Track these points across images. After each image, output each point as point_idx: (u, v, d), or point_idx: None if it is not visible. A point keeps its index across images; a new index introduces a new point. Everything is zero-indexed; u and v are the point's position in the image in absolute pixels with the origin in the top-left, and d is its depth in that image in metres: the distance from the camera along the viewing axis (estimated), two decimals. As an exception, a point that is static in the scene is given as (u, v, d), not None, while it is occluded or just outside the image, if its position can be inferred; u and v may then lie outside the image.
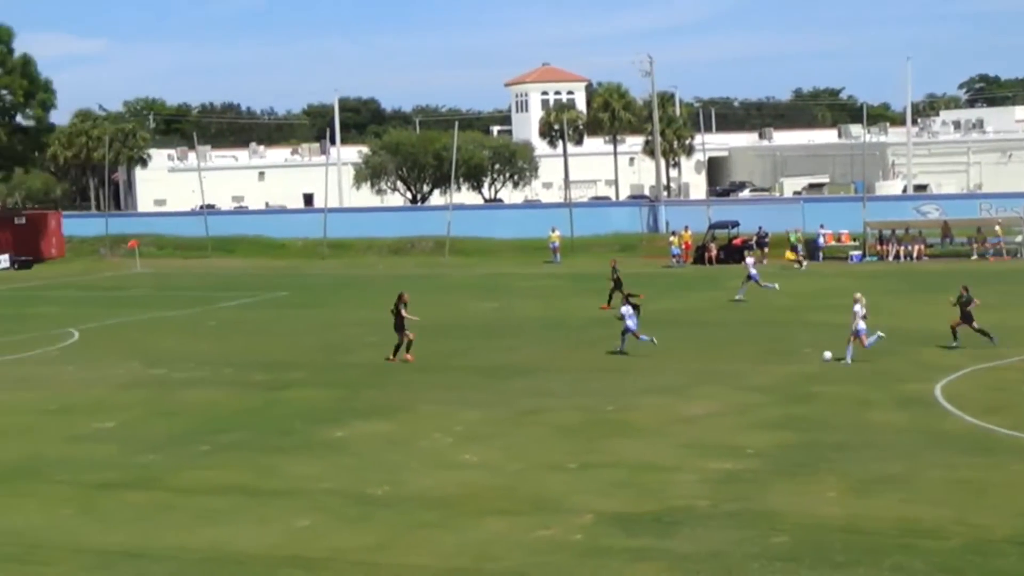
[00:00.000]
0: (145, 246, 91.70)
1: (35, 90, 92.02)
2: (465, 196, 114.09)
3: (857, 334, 37.71)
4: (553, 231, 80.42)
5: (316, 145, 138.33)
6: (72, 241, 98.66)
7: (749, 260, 57.39)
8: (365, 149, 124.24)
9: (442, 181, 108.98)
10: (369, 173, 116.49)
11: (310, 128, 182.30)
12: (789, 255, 73.12)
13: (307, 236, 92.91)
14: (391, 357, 40.94)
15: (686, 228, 77.26)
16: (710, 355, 40.21)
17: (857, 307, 37.78)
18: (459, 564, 20.49)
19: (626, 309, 41.22)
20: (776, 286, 56.47)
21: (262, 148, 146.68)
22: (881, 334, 38.33)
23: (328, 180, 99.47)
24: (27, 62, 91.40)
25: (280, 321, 54.11)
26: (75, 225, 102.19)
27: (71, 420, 33.47)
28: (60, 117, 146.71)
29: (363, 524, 22.79)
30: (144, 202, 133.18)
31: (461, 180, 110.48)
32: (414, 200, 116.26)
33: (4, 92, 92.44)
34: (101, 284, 76.07)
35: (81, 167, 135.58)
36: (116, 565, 20.91)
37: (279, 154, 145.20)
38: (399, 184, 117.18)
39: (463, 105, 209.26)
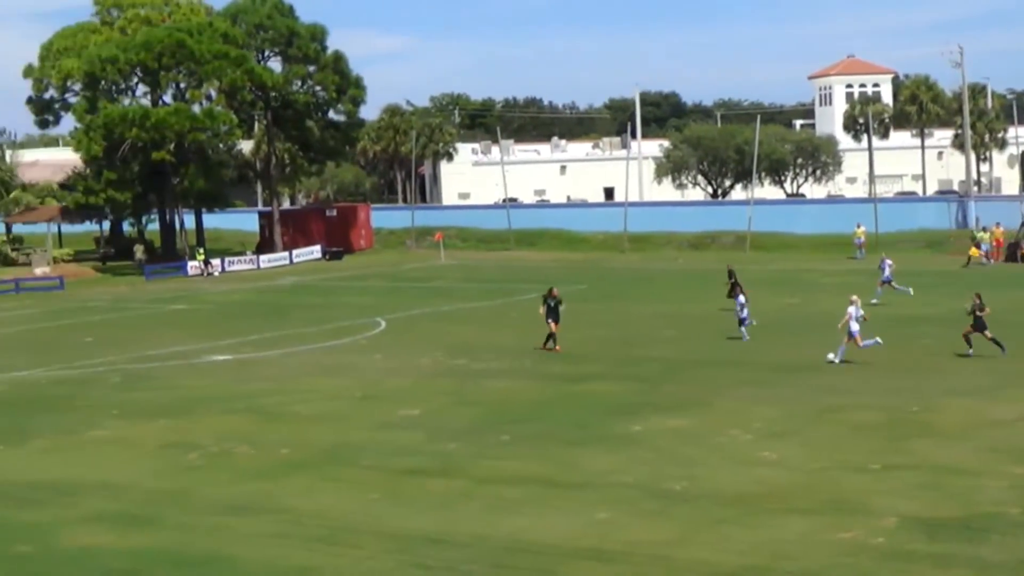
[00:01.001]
0: (449, 238, 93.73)
1: (346, 86, 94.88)
2: (766, 191, 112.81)
3: (851, 335, 38.42)
4: (858, 227, 78.76)
5: (617, 139, 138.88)
6: (380, 233, 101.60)
7: None
8: (666, 143, 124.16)
9: (743, 175, 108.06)
10: (670, 167, 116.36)
11: (611, 122, 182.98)
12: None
13: (607, 230, 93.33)
14: (543, 346, 43.08)
15: (997, 225, 74.62)
16: (1021, 357, 38.65)
17: (851, 308, 38.56)
18: (755, 562, 20.30)
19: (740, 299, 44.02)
20: None
21: (564, 142, 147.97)
22: (879, 340, 38.82)
23: (629, 174, 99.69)
24: (339, 59, 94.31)
25: (578, 314, 54.34)
26: (383, 217, 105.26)
27: (378, 407, 34.50)
28: (370, 112, 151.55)
29: (660, 518, 22.80)
30: (449, 195, 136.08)
31: (762, 174, 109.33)
32: (714, 194, 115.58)
33: (317, 88, 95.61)
34: (407, 275, 78.06)
35: (389, 161, 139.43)
36: (417, 550, 21.44)
37: (580, 148, 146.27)
38: (699, 178, 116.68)
39: (765, 98, 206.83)
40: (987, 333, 38.73)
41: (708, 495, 24.15)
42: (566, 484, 25.39)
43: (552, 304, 43.66)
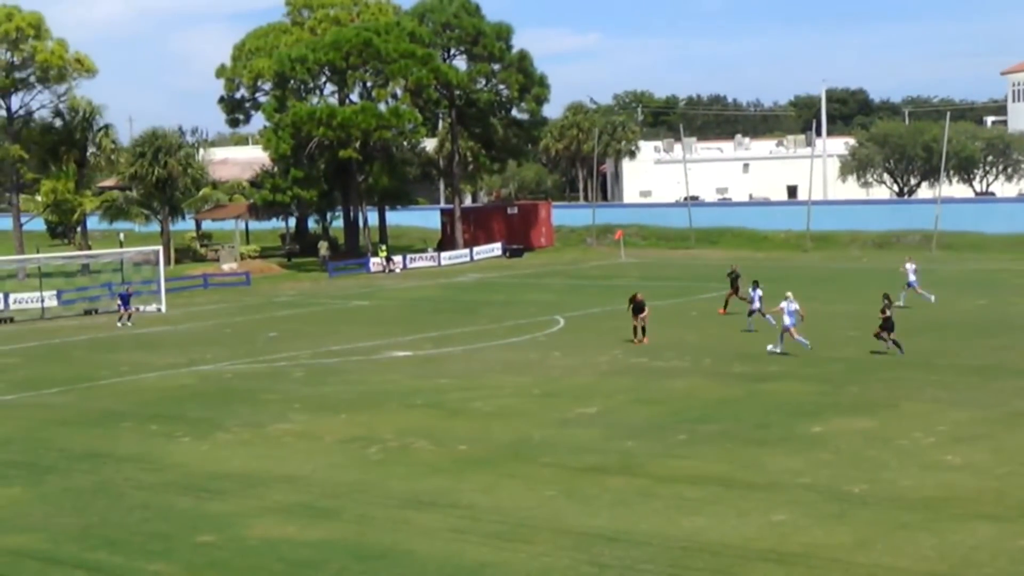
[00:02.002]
0: (630, 236, 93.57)
1: (530, 85, 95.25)
2: (955, 189, 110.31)
3: (786, 328, 41.49)
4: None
5: (801, 137, 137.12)
6: (561, 231, 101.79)
7: None
8: (851, 141, 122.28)
9: (931, 173, 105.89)
10: (855, 165, 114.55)
11: (796, 119, 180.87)
12: None
13: (790, 228, 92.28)
14: (634, 340, 45.23)
15: None
16: None
17: (784, 303, 41.76)
18: (939, 569, 19.78)
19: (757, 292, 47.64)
20: None
21: (747, 140, 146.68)
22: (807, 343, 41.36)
23: (813, 172, 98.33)
24: (523, 57, 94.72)
25: (761, 313, 53.92)
26: (564, 215, 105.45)
27: (556, 404, 34.52)
28: (553, 111, 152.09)
29: (840, 521, 22.38)
30: (630, 193, 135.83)
31: (951, 172, 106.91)
32: (900, 193, 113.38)
33: (501, 87, 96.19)
34: (587, 273, 78.08)
35: (571, 159, 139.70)
36: (595, 547, 21.36)
37: (764, 146, 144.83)
38: (885, 176, 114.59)
39: (955, 95, 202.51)
40: (892, 335, 40.71)
41: (890, 499, 23.64)
42: (745, 484, 25.09)
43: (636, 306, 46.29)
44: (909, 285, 53.79)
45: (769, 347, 42.00)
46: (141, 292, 67.09)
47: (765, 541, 21.38)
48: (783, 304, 41.92)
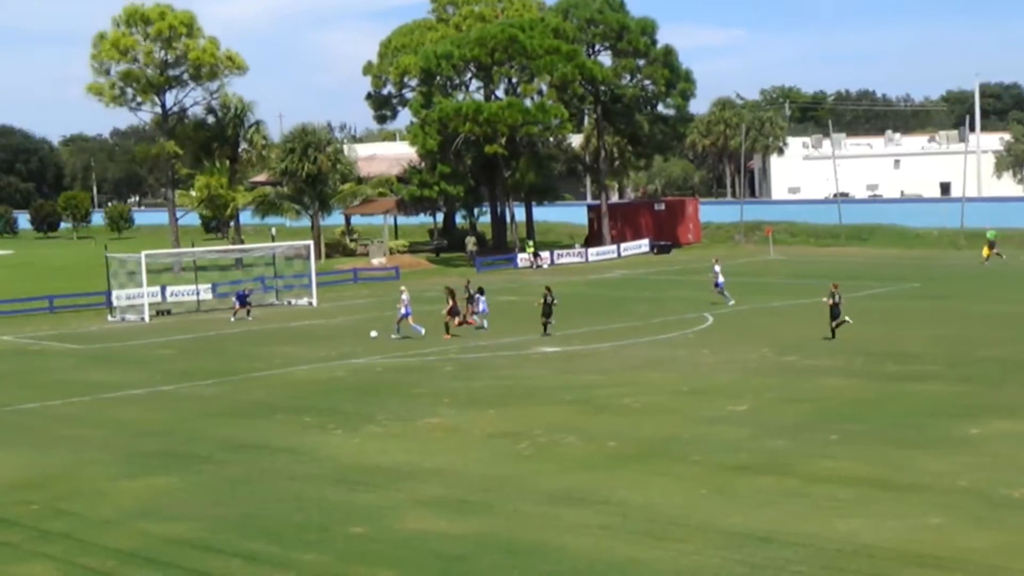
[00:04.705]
0: (778, 233, 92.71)
1: (676, 80, 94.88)
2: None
3: (404, 317, 49.25)
4: None
5: (954, 132, 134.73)
6: (708, 227, 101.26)
7: None
8: (1007, 136, 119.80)
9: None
10: (1011, 161, 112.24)
11: (948, 114, 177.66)
12: None
13: (943, 226, 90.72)
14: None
15: None
16: None
17: (404, 296, 49.78)
18: (1103, 576, 19.34)
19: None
20: None
21: (898, 135, 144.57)
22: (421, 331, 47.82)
23: (967, 168, 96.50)
24: (669, 52, 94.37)
25: (912, 312, 53.13)
26: (711, 212, 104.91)
27: (705, 402, 34.35)
28: (699, 106, 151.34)
29: (999, 526, 21.92)
30: (778, 189, 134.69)
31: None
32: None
33: (647, 82, 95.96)
34: (735, 270, 77.41)
35: (718, 155, 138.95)
36: (746, 547, 21.21)
37: (915, 142, 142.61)
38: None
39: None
40: (834, 323, 44.27)
41: (1050, 503, 23.15)
42: (899, 486, 24.70)
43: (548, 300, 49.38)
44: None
45: (372, 333, 50.10)
46: (293, 286, 68.31)
47: (921, 545, 21.04)
48: (404, 296, 49.76)
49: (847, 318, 44.90)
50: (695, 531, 22.26)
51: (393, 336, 49.26)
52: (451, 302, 50.40)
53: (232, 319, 59.57)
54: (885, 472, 25.80)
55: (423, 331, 48.98)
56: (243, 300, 60.51)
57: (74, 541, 23.09)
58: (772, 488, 24.91)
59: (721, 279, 57.03)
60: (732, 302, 56.27)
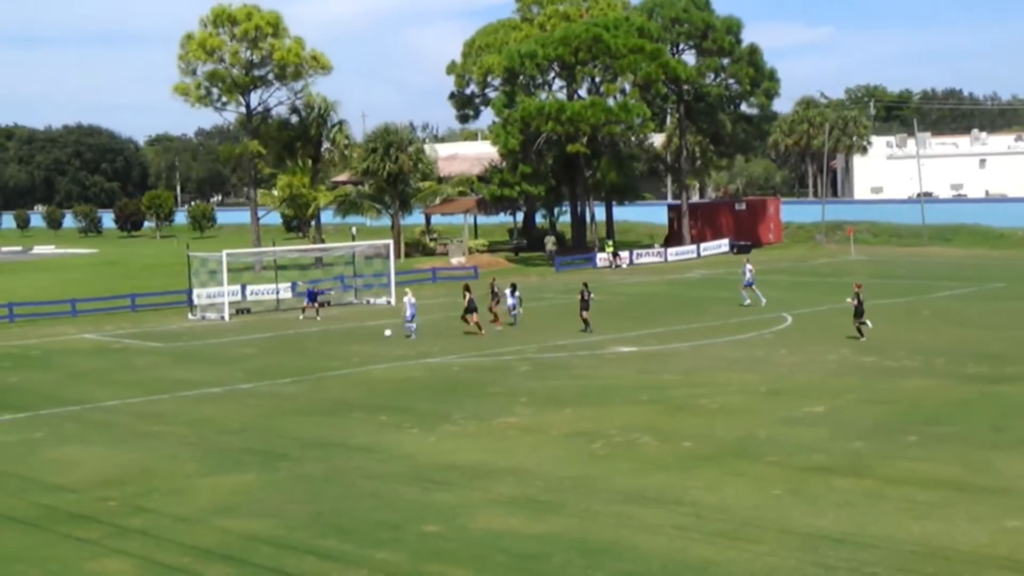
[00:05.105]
0: (860, 233, 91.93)
1: (760, 79, 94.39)
2: None
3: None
4: None
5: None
6: (789, 227, 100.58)
7: None
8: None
9: None
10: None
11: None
12: None
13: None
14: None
15: None
16: None
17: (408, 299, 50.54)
18: None
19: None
20: None
21: (984, 135, 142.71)
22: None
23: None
24: (753, 51, 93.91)
25: (996, 313, 52.45)
26: (793, 211, 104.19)
27: (782, 403, 34.09)
28: (783, 105, 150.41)
29: (1079, 530, 21.60)
30: (861, 189, 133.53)
31: None
32: None
33: (730, 81, 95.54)
34: (816, 270, 76.94)
35: (801, 154, 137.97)
36: (821, 549, 21.02)
37: (1002, 141, 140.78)
38: None
39: None
40: (857, 321, 44.66)
41: None
42: (980, 488, 24.37)
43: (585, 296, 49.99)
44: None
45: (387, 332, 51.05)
46: (372, 285, 68.61)
47: (998, 548, 20.75)
48: (406, 301, 50.41)
49: (867, 321, 45.07)
50: (769, 532, 22.09)
51: (410, 337, 50.00)
52: (468, 295, 51.38)
53: (301, 316, 60.10)
54: (964, 474, 25.47)
55: (414, 335, 50.04)
56: (313, 297, 60.90)
57: (151, 538, 23.31)
58: (848, 489, 24.66)
59: (749, 278, 57.06)
60: (764, 301, 56.55)
